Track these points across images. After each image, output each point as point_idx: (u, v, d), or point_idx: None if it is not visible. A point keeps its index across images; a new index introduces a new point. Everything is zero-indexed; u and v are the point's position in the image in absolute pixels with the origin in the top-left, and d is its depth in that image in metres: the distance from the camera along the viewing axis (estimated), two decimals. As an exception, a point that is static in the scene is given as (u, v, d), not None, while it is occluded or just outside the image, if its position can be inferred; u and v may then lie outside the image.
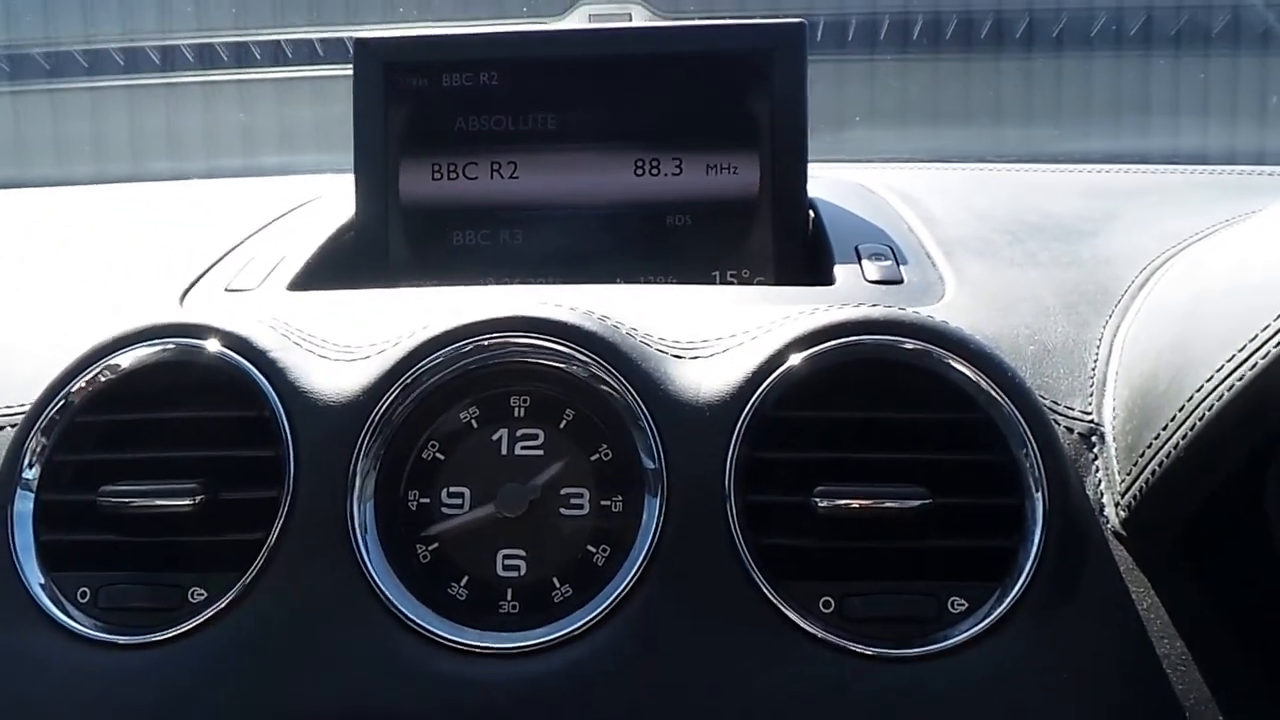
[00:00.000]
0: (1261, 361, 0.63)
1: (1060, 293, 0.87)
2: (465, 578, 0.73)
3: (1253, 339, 0.64)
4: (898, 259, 0.92)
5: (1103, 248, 0.93)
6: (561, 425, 0.75)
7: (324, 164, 1.26)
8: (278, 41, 1.49)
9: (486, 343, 0.75)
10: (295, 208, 1.11)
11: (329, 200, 1.11)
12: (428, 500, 0.74)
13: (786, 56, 0.97)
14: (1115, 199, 1.05)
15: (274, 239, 1.03)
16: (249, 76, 1.50)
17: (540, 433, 0.75)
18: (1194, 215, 0.96)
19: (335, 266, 1.00)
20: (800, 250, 0.98)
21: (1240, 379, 0.64)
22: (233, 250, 1.00)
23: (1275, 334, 0.62)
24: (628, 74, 0.99)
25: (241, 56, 1.51)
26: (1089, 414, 0.77)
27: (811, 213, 1.01)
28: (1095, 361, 0.80)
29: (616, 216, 0.99)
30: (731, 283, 0.99)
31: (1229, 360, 0.65)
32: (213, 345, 0.77)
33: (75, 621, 0.72)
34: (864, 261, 0.91)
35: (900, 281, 0.88)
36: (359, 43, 1.01)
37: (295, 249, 0.99)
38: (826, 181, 1.08)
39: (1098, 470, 0.75)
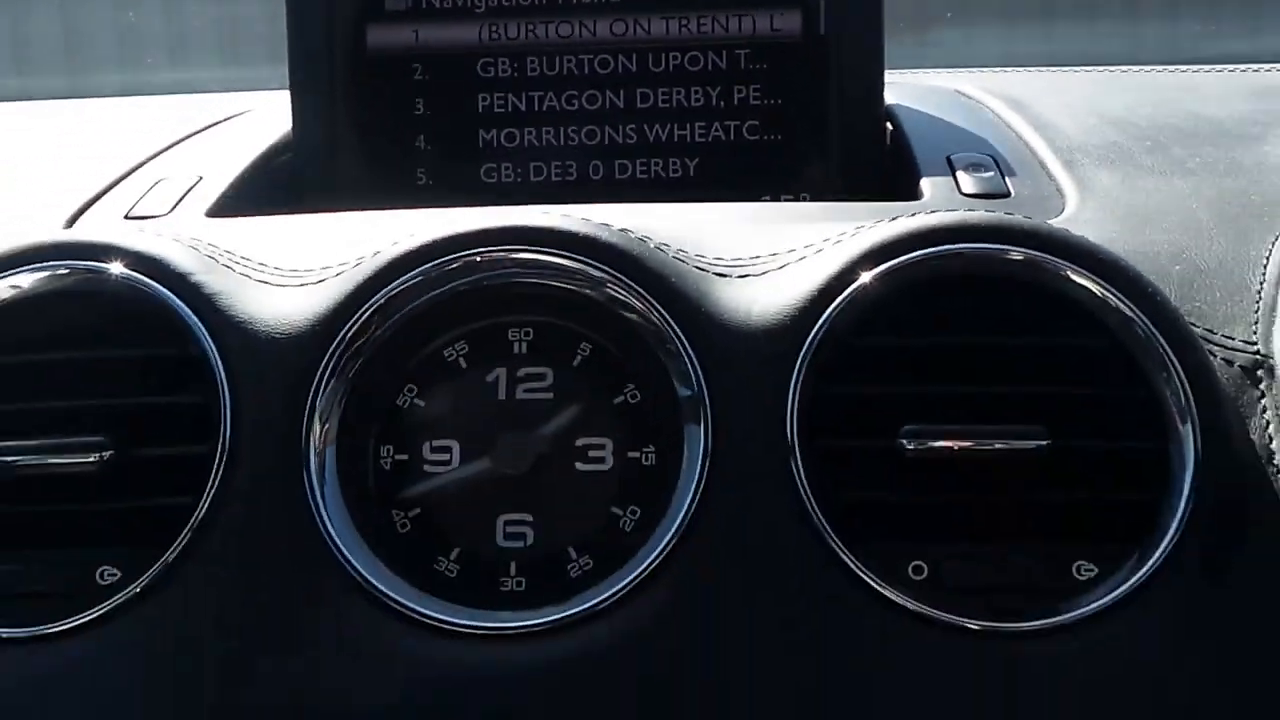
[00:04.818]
0: None
1: (1216, 204, 0.73)
2: (455, 550, 0.59)
3: None
4: (1002, 170, 0.77)
5: (1272, 153, 0.79)
6: (575, 362, 0.62)
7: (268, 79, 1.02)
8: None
9: (478, 259, 0.62)
10: (215, 123, 0.95)
11: (260, 115, 0.94)
12: (405, 457, 0.61)
13: None
14: None
15: (188, 158, 0.87)
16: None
17: (548, 372, 0.62)
18: None
19: (269, 191, 0.83)
20: (875, 164, 0.82)
21: None
22: (136, 170, 0.84)
23: None
24: None
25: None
26: (1253, 344, 0.63)
27: (890, 124, 0.85)
28: (1262, 283, 0.66)
29: (638, 123, 0.83)
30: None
31: None
32: (115, 268, 0.62)
33: None
34: (958, 173, 0.77)
35: (1006, 195, 0.75)
36: None
37: (215, 169, 0.83)
38: (909, 88, 0.92)
39: (1265, 411, 0.61)
